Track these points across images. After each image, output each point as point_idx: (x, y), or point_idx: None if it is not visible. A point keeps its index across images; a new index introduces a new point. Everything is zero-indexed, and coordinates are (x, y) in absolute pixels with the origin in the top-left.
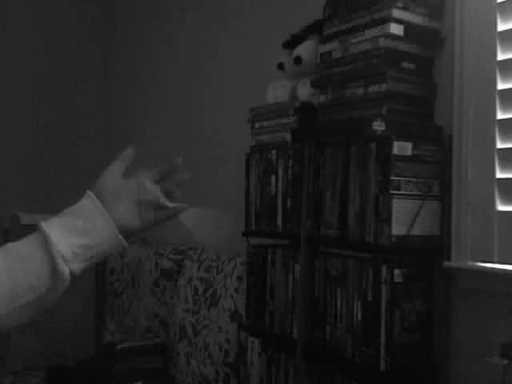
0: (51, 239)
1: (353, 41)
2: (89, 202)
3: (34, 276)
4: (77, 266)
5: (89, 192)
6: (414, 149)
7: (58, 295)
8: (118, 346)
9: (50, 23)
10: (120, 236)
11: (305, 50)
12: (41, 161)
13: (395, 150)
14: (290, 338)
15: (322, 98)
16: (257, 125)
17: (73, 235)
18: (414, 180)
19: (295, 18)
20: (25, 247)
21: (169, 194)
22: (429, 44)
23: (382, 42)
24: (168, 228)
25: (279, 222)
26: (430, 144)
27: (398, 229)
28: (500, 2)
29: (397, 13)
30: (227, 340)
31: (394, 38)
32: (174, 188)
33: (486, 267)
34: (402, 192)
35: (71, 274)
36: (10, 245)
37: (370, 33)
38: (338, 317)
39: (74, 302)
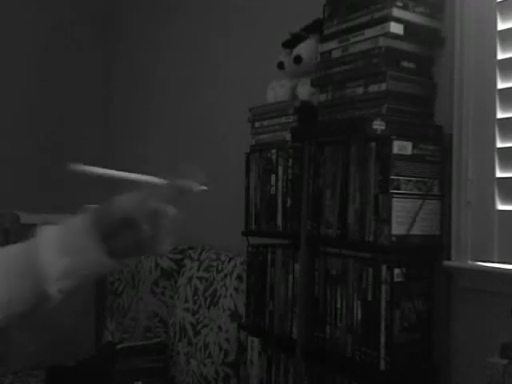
0: (42, 261)
1: (353, 40)
2: (84, 220)
3: (24, 291)
4: (65, 284)
5: (88, 210)
6: (413, 148)
7: (44, 311)
8: (118, 346)
9: (49, 24)
10: (112, 261)
11: (305, 49)
12: (41, 161)
13: (395, 150)
14: (289, 338)
15: (322, 98)
16: (257, 124)
17: (65, 254)
18: (414, 179)
19: (295, 17)
20: (20, 260)
21: None
22: (429, 43)
23: (381, 42)
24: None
25: (279, 221)
26: (429, 143)
27: (397, 228)
28: (500, 1)
29: (397, 12)
30: (227, 340)
31: (394, 37)
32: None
33: (486, 267)
34: (401, 191)
35: (60, 292)
36: (9, 249)
37: (369, 32)
38: (337, 316)
39: (74, 301)
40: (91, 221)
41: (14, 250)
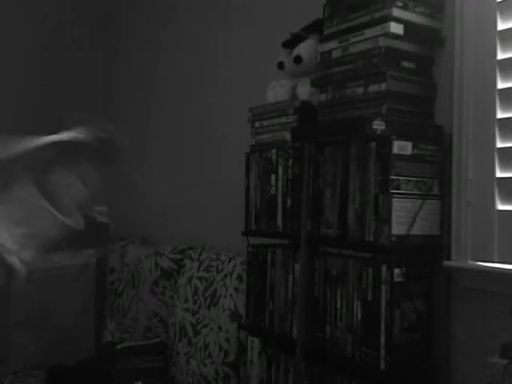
0: None
1: (353, 40)
2: (27, 189)
3: None
4: (26, 254)
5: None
6: (413, 148)
7: (19, 284)
8: (118, 346)
9: (49, 24)
10: (63, 218)
11: (305, 49)
12: None
13: (395, 150)
14: (289, 338)
15: (322, 98)
16: (257, 124)
17: (13, 226)
18: (414, 179)
19: (295, 17)
20: None
21: None
22: (429, 43)
23: (381, 42)
24: (168, 228)
25: (279, 221)
26: (429, 143)
27: (397, 228)
28: (500, 1)
29: (397, 12)
30: (227, 340)
31: (394, 37)
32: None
33: (486, 267)
34: (401, 191)
35: (22, 261)
36: None
37: (369, 32)
38: (337, 316)
39: (74, 301)
40: (35, 187)
41: None
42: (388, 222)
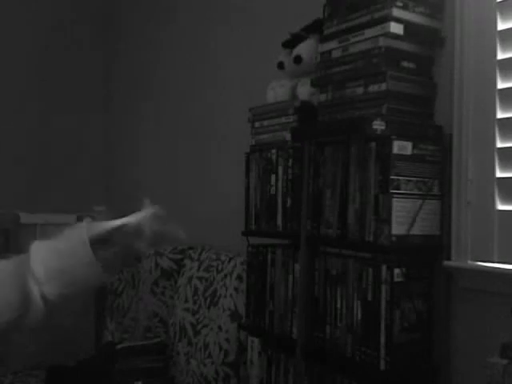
0: (29, 258)
1: (353, 40)
2: (78, 229)
3: (6, 295)
4: (50, 290)
5: (86, 220)
6: (413, 148)
7: (33, 319)
8: (118, 346)
9: (49, 24)
10: (99, 267)
11: (305, 49)
12: (41, 161)
13: (395, 150)
14: (289, 338)
15: (322, 98)
16: (257, 124)
17: (51, 257)
18: (414, 179)
19: (295, 17)
20: (11, 266)
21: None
22: (429, 43)
23: (381, 42)
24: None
25: (279, 221)
26: (429, 143)
27: (397, 228)
28: (500, 1)
29: (397, 12)
30: (227, 340)
31: (394, 37)
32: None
33: (486, 267)
34: (401, 191)
35: (44, 297)
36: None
37: (369, 32)
38: (337, 316)
39: (74, 302)
40: (86, 231)
41: (8, 261)
42: (388, 222)
